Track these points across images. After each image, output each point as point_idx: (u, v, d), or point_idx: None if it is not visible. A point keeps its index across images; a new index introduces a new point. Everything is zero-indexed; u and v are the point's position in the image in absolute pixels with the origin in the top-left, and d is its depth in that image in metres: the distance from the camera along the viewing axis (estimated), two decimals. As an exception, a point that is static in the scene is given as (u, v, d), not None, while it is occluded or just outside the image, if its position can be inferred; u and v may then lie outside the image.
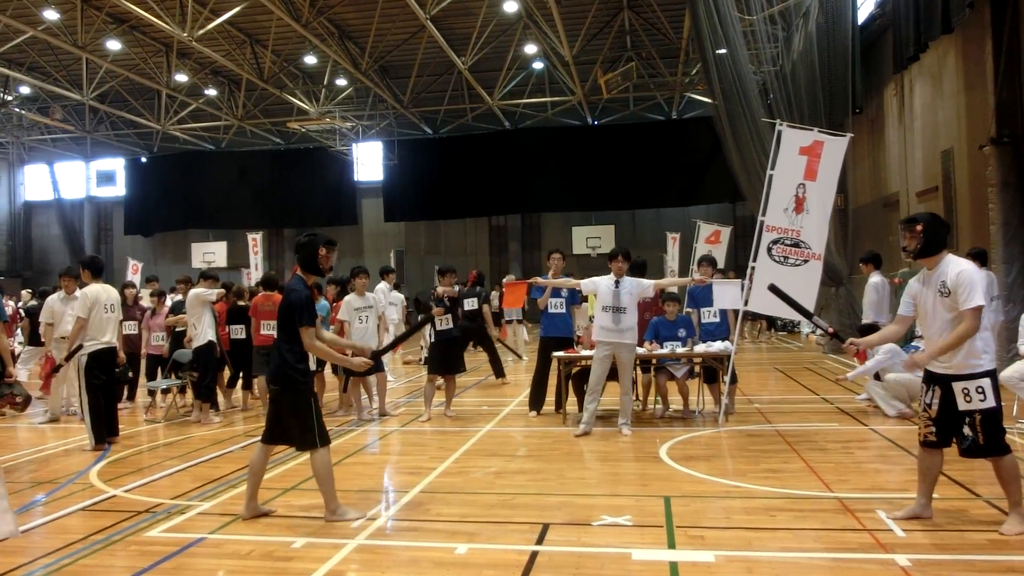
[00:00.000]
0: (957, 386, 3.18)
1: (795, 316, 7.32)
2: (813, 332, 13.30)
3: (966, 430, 3.17)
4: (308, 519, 3.69)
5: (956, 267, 3.22)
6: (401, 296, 11.55)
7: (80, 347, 5.55)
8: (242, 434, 6.10)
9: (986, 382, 3.16)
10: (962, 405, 3.17)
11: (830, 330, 3.89)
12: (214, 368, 6.84)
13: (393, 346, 4.79)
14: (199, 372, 6.74)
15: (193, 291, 6.82)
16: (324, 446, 3.61)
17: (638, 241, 20.44)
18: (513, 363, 10.90)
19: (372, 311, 6.57)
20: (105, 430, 5.63)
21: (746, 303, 6.01)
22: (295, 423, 3.60)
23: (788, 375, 8.93)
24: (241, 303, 7.53)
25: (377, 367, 6.19)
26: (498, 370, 9.01)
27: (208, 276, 7.12)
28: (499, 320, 12.58)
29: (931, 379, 3.32)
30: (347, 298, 6.55)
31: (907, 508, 3.44)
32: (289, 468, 4.73)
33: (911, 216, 3.36)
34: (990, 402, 3.14)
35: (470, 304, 8.83)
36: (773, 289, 4.36)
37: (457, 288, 6.64)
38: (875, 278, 6.88)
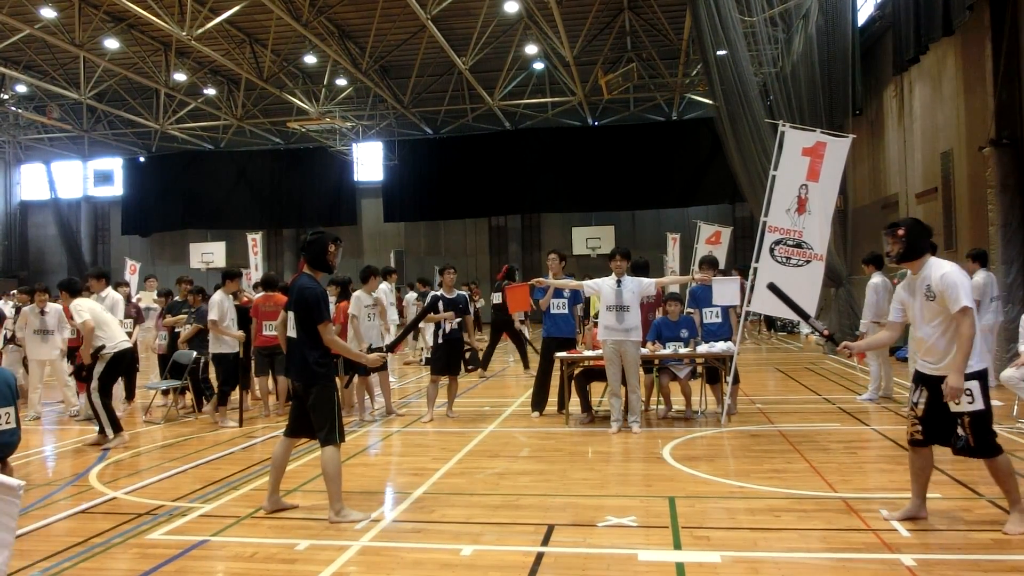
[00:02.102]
0: (947, 387, 3.18)
1: (794, 316, 7.32)
2: (812, 333, 13.32)
3: (959, 430, 3.19)
4: (312, 521, 3.68)
5: (939, 270, 3.25)
6: (413, 294, 11.76)
7: (103, 347, 5.65)
8: (242, 435, 6.07)
9: (974, 384, 3.15)
10: (952, 407, 3.19)
11: (825, 332, 3.91)
12: (234, 376, 6.69)
13: (403, 336, 4.80)
14: (219, 378, 6.63)
15: (221, 295, 6.58)
16: (340, 443, 3.66)
17: (638, 242, 20.45)
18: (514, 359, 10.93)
19: (378, 309, 6.70)
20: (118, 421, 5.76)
21: (749, 303, 6.01)
22: (318, 418, 3.64)
23: (789, 375, 8.94)
24: (235, 303, 7.50)
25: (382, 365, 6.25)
26: (525, 362, 9.36)
27: (232, 275, 6.87)
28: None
29: (920, 379, 3.35)
30: (357, 294, 6.67)
31: (903, 509, 3.45)
32: (292, 469, 4.70)
33: (893, 221, 3.42)
34: (978, 404, 3.15)
35: (496, 298, 9.61)
36: (772, 288, 4.40)
37: (456, 294, 6.66)
38: (876, 279, 6.89)
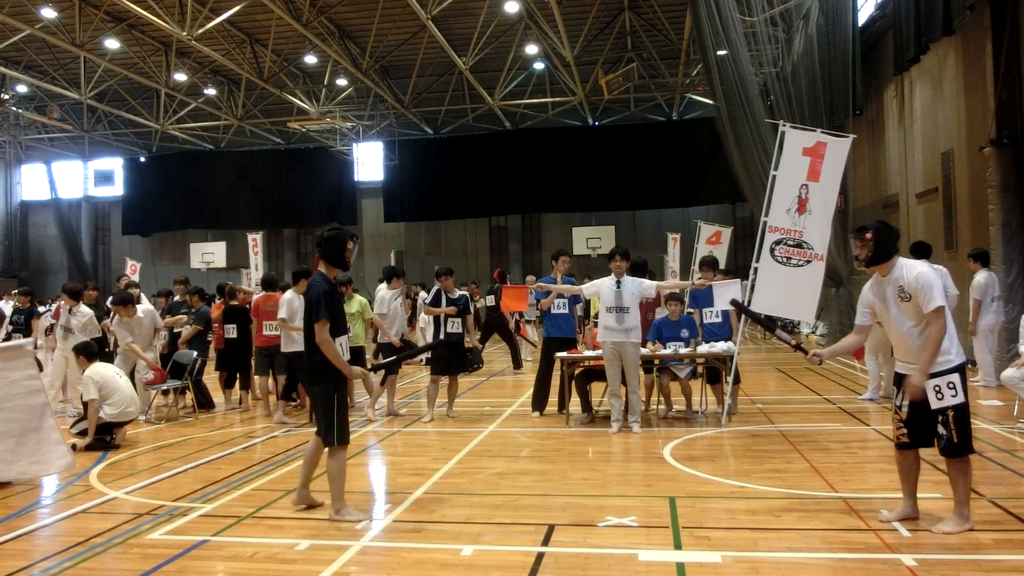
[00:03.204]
0: (929, 384, 3.20)
1: (795, 316, 7.34)
2: (813, 332, 13.33)
3: (940, 428, 3.20)
4: (312, 521, 3.68)
5: (912, 270, 3.25)
6: (424, 295, 11.96)
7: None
8: (242, 435, 6.08)
9: (955, 377, 3.18)
10: (934, 403, 3.19)
11: (792, 342, 3.91)
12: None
13: (396, 362, 4.76)
14: (288, 377, 6.63)
15: (292, 294, 6.58)
16: (343, 445, 3.66)
17: (638, 242, 20.47)
18: (533, 359, 11.00)
19: (402, 304, 7.07)
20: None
21: (749, 303, 6.01)
22: (319, 417, 3.65)
23: (789, 375, 8.94)
24: (233, 303, 7.52)
25: (393, 368, 6.37)
26: (517, 361, 9.51)
27: (305, 274, 6.75)
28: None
29: (901, 381, 3.35)
30: (381, 294, 6.82)
31: (897, 510, 3.46)
32: (293, 469, 4.70)
33: (861, 225, 3.42)
34: (960, 397, 3.17)
35: (490, 300, 9.68)
36: (735, 304, 4.44)
37: (458, 294, 6.68)
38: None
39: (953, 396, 3.15)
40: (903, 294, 3.24)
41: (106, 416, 5.55)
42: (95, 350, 5.95)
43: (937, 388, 3.18)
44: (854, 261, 3.45)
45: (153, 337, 7.05)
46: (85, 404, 5.64)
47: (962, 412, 3.16)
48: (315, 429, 3.83)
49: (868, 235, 3.30)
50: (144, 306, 7.17)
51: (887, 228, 3.37)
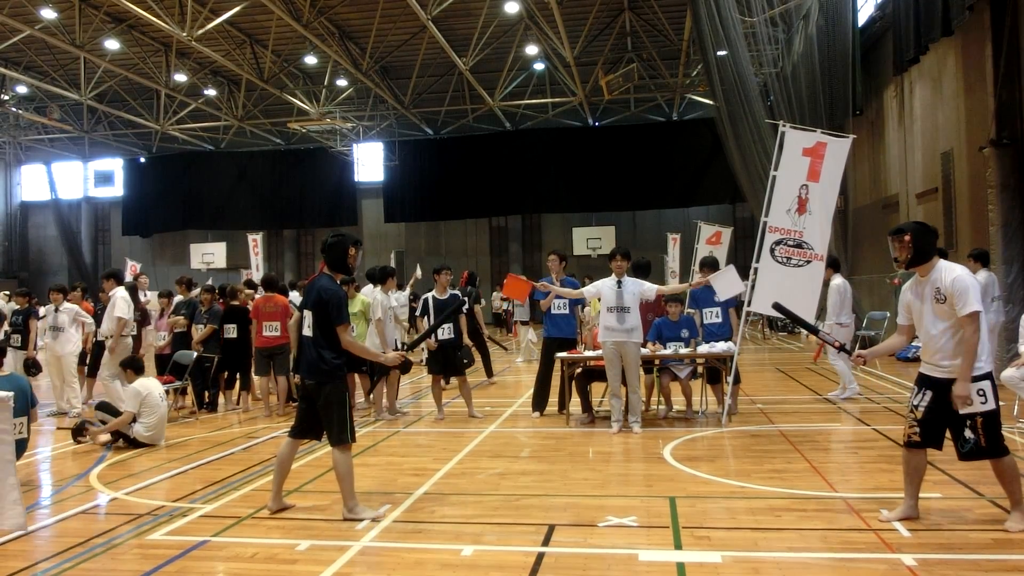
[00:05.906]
0: (956, 388, 3.19)
1: (803, 314, 7.35)
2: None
3: (967, 433, 3.20)
4: (313, 521, 3.68)
5: (950, 273, 3.25)
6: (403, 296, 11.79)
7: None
8: (243, 436, 6.08)
9: (986, 384, 3.19)
10: (963, 409, 3.19)
11: (836, 344, 3.89)
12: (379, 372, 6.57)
13: (423, 338, 4.75)
14: (371, 376, 6.62)
15: (379, 294, 6.62)
16: (351, 443, 3.67)
17: (638, 242, 20.48)
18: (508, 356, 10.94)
19: (404, 310, 6.78)
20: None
21: (749, 303, 6.02)
22: (330, 418, 3.64)
23: (789, 375, 8.94)
24: (234, 303, 7.51)
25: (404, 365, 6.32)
26: (488, 370, 9.26)
27: (389, 273, 6.88)
28: (502, 322, 12.65)
29: (925, 382, 3.35)
30: (379, 297, 6.73)
31: (897, 509, 3.46)
32: (293, 469, 4.70)
33: (898, 227, 3.39)
34: (991, 404, 3.17)
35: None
36: (778, 307, 4.40)
37: (449, 294, 6.65)
38: (836, 281, 6.98)
39: (983, 403, 3.16)
40: (939, 296, 3.24)
41: (135, 435, 5.52)
42: (141, 364, 5.89)
43: None
44: (893, 263, 3.42)
45: (118, 324, 6.84)
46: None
47: (992, 418, 3.17)
48: (288, 431, 3.84)
49: (907, 237, 3.27)
50: (120, 292, 7.08)
51: (925, 229, 3.34)
